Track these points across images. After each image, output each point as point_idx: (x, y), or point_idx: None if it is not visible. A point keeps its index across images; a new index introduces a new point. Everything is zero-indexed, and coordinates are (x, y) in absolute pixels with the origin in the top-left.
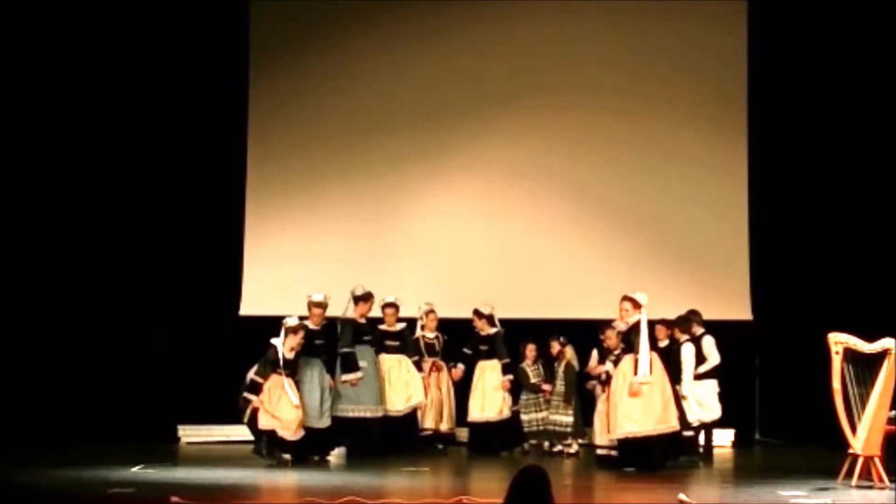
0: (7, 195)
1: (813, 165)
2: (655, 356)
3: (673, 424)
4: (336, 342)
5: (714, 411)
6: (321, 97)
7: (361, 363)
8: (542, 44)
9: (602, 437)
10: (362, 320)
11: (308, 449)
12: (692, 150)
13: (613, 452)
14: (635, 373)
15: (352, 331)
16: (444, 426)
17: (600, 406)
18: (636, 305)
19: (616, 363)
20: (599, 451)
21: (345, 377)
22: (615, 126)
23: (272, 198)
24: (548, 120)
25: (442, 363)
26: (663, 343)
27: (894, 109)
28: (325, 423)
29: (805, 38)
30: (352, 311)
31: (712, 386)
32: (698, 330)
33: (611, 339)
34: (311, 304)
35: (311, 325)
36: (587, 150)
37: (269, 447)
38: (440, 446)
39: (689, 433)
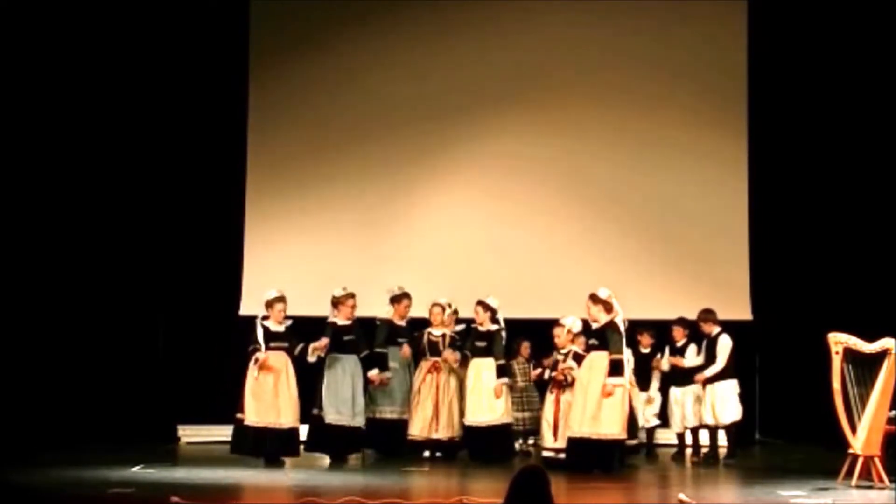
0: (12, 205)
1: (814, 165)
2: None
3: (623, 432)
4: (368, 339)
5: (735, 412)
6: (321, 97)
7: (391, 364)
8: (543, 44)
9: (548, 439)
10: (401, 322)
11: (340, 448)
12: (692, 150)
13: (561, 455)
14: (609, 374)
15: (386, 331)
16: (441, 433)
17: (548, 407)
18: (607, 306)
19: (556, 365)
20: (546, 454)
21: (369, 374)
22: (615, 126)
23: (272, 198)
24: (549, 120)
25: (441, 363)
26: (680, 343)
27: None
28: (359, 422)
29: (806, 36)
30: (390, 313)
31: (732, 386)
32: (714, 329)
33: (559, 336)
34: (342, 298)
35: (339, 320)
36: (587, 150)
37: (238, 442)
38: (426, 454)
39: (633, 441)
